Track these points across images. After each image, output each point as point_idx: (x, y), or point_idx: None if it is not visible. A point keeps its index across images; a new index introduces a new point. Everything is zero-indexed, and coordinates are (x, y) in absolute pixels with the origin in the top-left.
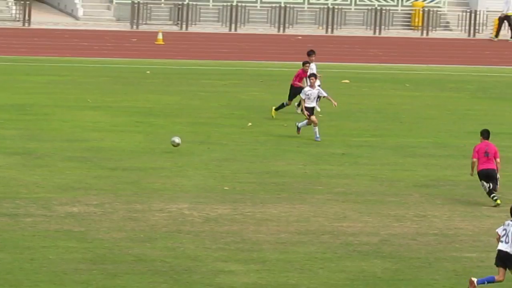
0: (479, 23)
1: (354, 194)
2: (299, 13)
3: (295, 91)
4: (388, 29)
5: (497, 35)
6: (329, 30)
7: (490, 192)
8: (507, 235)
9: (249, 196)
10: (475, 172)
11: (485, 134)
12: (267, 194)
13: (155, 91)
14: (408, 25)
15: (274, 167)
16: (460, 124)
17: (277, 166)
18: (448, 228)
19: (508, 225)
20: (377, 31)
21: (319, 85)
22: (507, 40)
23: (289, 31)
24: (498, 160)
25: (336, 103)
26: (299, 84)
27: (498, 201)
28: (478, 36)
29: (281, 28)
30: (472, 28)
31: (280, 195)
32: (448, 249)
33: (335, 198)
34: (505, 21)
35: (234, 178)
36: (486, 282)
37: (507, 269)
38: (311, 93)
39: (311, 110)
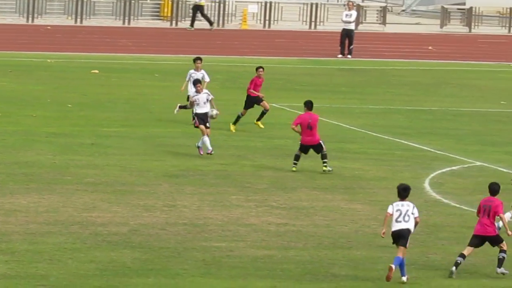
0: (228, 14)
1: (103, 184)
2: (48, 2)
3: (251, 100)
4: (137, 19)
5: (192, 24)
6: (78, 20)
7: (296, 158)
8: (404, 215)
9: None
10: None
11: (309, 105)
12: (16, 184)
13: None
14: (157, 16)
15: (23, 157)
16: None
17: (26, 156)
18: (198, 218)
19: (402, 205)
20: (127, 21)
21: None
22: (235, 30)
23: (38, 21)
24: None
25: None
26: (255, 93)
27: (327, 168)
28: (227, 26)
29: (30, 18)
30: (221, 18)
31: (29, 185)
32: (197, 238)
33: (84, 188)
34: (198, 10)
35: None
36: (398, 266)
37: (398, 246)
38: (198, 97)
39: (202, 117)
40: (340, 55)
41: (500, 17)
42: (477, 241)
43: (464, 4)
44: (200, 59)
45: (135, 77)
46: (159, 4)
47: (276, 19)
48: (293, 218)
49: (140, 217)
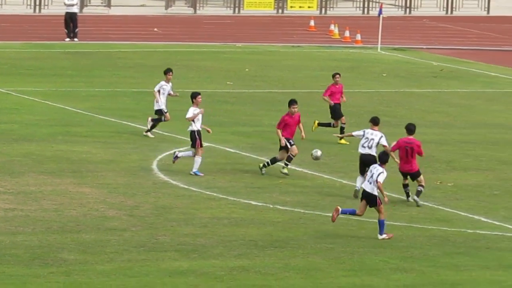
0: None
1: None
2: None
3: None
4: None
5: None
6: None
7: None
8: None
9: None
10: None
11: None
12: None
13: None
14: None
15: None
16: None
17: None
18: None
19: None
20: None
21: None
22: None
23: None
24: None
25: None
26: (326, 99)
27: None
28: None
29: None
30: None
31: None
32: None
33: None
34: None
35: None
36: (348, 213)
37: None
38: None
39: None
40: (67, 39)
41: None
42: (404, 175)
43: None
44: (171, 70)
45: None
46: None
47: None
48: (21, 203)
49: None
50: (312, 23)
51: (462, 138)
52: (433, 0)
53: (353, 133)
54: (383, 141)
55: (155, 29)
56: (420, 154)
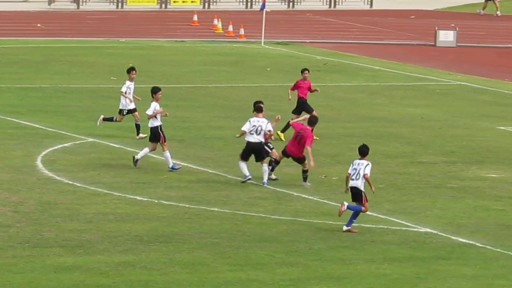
0: None
1: None
2: None
3: None
4: None
5: None
6: None
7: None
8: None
9: None
10: None
11: None
12: None
13: None
14: None
15: None
16: None
17: None
18: None
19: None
20: None
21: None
22: None
23: None
24: None
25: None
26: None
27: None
28: None
29: None
30: None
31: None
32: None
33: None
34: None
35: None
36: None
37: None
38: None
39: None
40: None
41: None
42: (287, 156)
43: None
44: (134, 69)
45: None
46: None
47: None
48: None
49: None
50: (195, 17)
51: (346, 132)
52: None
53: (243, 128)
54: (269, 127)
55: (39, 25)
56: (307, 144)
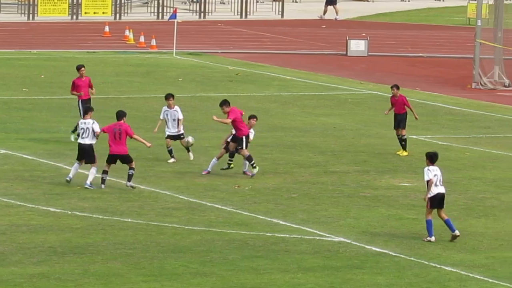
0: None
1: None
2: None
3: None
4: None
5: None
6: None
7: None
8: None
9: None
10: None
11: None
12: None
13: None
14: None
15: None
16: None
17: None
18: None
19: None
20: None
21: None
22: None
23: None
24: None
25: None
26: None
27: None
28: None
29: None
30: None
31: None
32: None
33: None
34: None
35: None
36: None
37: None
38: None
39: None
40: None
41: (19, 4)
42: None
43: None
44: (172, 96)
45: None
46: None
47: None
48: None
49: None
50: (107, 28)
51: (259, 141)
52: (227, 5)
53: (95, 129)
54: (96, 128)
55: None
56: (130, 135)
